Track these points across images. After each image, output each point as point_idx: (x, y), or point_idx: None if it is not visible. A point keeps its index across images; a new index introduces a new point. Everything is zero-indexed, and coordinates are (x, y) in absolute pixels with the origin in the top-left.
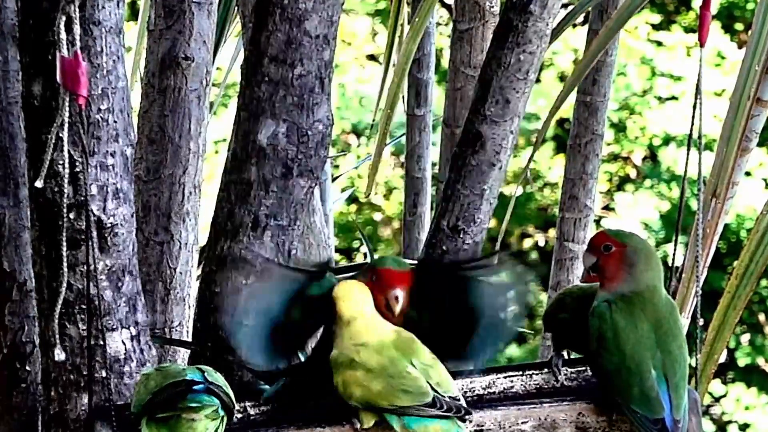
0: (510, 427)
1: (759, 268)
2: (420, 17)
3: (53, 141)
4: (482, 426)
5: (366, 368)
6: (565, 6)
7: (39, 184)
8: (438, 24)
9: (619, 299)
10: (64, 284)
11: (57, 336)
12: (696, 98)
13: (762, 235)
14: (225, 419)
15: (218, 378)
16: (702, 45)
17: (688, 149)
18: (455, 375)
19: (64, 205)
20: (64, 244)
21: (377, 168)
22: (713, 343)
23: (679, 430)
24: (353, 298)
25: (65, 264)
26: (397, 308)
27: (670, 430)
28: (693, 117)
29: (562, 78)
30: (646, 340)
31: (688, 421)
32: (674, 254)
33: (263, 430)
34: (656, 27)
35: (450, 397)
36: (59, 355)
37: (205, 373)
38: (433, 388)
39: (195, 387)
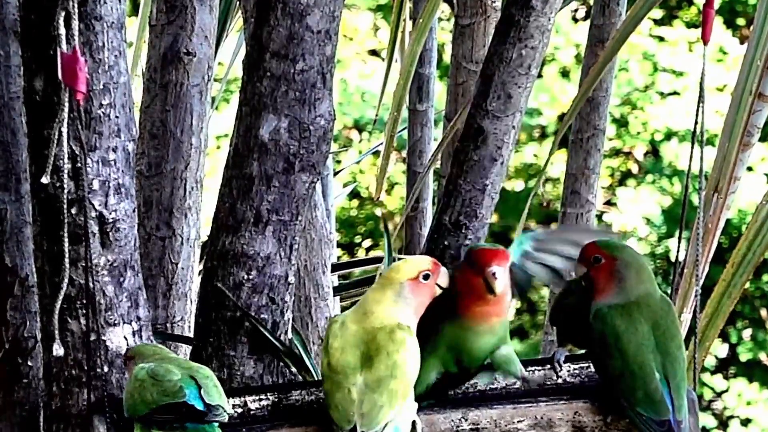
0: (506, 425)
1: (756, 258)
2: (424, 18)
3: (56, 136)
4: (478, 425)
5: (328, 362)
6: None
7: (45, 180)
8: (440, 19)
9: (617, 304)
10: (66, 280)
11: (57, 331)
12: (700, 95)
13: (760, 225)
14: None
15: (214, 393)
16: (705, 43)
17: (692, 145)
18: None
19: (65, 201)
20: (66, 239)
21: (385, 171)
22: (705, 330)
23: (682, 430)
24: (399, 268)
25: (67, 259)
26: (497, 284)
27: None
28: (697, 113)
29: (564, 73)
30: (647, 342)
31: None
32: (678, 251)
33: (258, 427)
34: (658, 22)
35: None
36: (57, 350)
37: (202, 390)
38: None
39: (194, 411)
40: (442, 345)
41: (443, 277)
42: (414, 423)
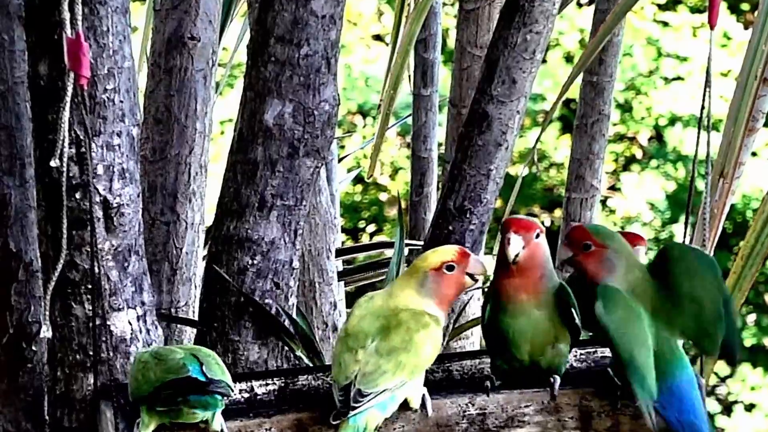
0: (513, 410)
1: (765, 249)
2: None
3: (65, 121)
4: (485, 409)
5: (345, 328)
6: None
7: (54, 163)
8: (444, 4)
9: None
10: (61, 262)
11: (47, 312)
12: (706, 80)
13: None
14: (223, 404)
15: (216, 368)
16: (712, 27)
17: (699, 130)
18: (464, 355)
19: (64, 184)
20: (65, 223)
21: (379, 149)
22: None
23: (665, 414)
24: (425, 258)
25: (65, 242)
26: (509, 251)
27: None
28: (703, 98)
29: (568, 58)
30: (645, 333)
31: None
32: (684, 235)
33: (265, 412)
34: (662, 7)
35: (358, 391)
36: (46, 332)
37: (203, 366)
38: (357, 376)
39: (197, 384)
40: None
41: (475, 266)
42: (423, 396)
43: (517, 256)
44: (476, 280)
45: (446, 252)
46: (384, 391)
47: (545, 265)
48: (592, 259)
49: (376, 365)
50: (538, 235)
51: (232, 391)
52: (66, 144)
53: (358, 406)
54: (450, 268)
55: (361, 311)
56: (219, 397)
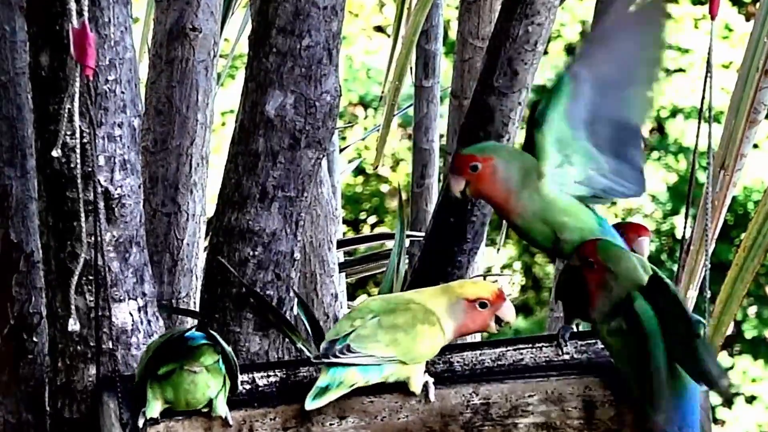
0: (517, 400)
1: (767, 241)
2: None
3: (67, 112)
4: (489, 399)
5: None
6: None
7: (56, 153)
8: None
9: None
10: (83, 256)
11: (73, 306)
12: (707, 71)
13: None
14: (228, 384)
15: (222, 341)
16: (713, 17)
17: (699, 122)
18: (465, 347)
19: (78, 177)
20: (83, 215)
21: (385, 139)
22: (721, 316)
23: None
24: (465, 285)
25: (84, 235)
26: (451, 192)
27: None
28: (704, 90)
29: (569, 50)
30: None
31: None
32: (684, 227)
33: (269, 403)
34: None
35: (347, 346)
36: (73, 325)
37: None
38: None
39: (191, 334)
40: None
41: (506, 312)
42: (426, 384)
43: (463, 194)
44: (500, 326)
45: (485, 289)
46: (371, 356)
47: (507, 188)
48: (593, 277)
49: (373, 332)
50: (475, 168)
51: (236, 368)
52: (77, 135)
53: (341, 357)
54: (483, 305)
55: (375, 298)
56: (217, 347)
